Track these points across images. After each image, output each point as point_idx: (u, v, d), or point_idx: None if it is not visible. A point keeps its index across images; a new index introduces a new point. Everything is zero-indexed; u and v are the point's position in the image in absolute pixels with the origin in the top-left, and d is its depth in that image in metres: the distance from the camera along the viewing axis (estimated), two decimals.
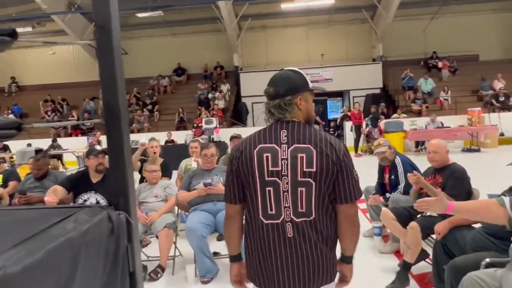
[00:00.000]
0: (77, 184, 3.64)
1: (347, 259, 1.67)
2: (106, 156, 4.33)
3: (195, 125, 12.63)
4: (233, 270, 1.73)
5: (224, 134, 11.41)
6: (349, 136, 13.20)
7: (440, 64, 17.22)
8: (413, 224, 3.20)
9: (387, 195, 4.16)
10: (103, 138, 12.73)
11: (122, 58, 2.11)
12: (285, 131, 1.56)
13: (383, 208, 3.77)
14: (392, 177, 4.20)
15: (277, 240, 1.54)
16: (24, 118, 17.44)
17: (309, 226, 1.53)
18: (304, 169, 1.51)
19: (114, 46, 2.00)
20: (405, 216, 3.51)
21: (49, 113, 16.84)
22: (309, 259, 1.54)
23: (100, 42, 1.84)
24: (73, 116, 15.48)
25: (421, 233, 3.18)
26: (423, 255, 3.34)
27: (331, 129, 16.80)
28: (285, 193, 1.52)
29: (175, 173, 5.22)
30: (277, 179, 1.53)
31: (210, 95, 16.92)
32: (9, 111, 17.23)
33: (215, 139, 11.79)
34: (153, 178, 3.95)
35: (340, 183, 1.55)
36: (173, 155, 6.13)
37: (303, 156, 1.51)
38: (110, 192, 1.78)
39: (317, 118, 16.48)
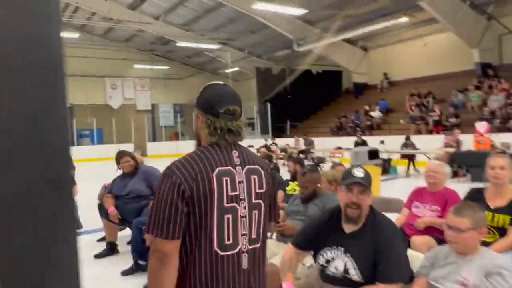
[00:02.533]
0: (323, 227, 2.16)
1: None
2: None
3: None
4: None
5: None
6: None
7: None
8: None
9: None
10: (465, 138, 10.41)
11: None
12: (236, 152, 1.44)
13: None
14: None
15: (232, 273, 1.37)
16: (389, 113, 17.42)
17: (258, 253, 1.45)
18: (257, 191, 1.45)
19: None
20: None
21: (412, 108, 15.88)
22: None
23: None
24: (434, 111, 13.78)
25: None
26: None
27: None
28: (242, 219, 1.40)
29: None
30: (236, 204, 1.39)
31: None
32: (376, 107, 17.58)
33: None
34: None
35: (272, 202, 1.53)
36: None
37: (255, 178, 1.45)
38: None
39: None
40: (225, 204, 1.35)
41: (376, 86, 20.66)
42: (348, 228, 2.07)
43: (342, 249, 2.04)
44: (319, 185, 3.08)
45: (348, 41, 19.91)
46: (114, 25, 20.36)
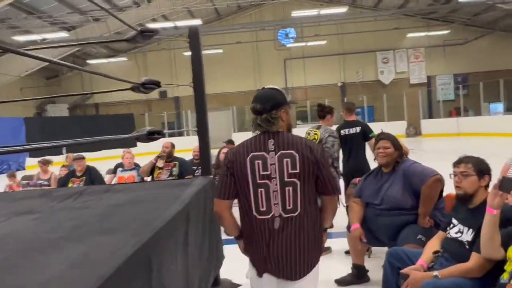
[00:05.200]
0: None
1: (324, 229, 2.08)
2: None
3: None
4: (241, 244, 2.10)
5: None
6: None
7: None
8: None
9: None
10: None
11: None
12: (272, 140, 1.95)
13: None
14: None
15: (267, 232, 1.92)
16: None
17: (295, 220, 1.91)
18: (290, 171, 1.89)
19: None
20: None
21: None
22: (296, 248, 1.91)
23: None
24: None
25: None
26: None
27: None
28: (274, 193, 1.91)
29: None
30: (267, 181, 1.91)
31: None
32: None
33: None
34: None
35: (321, 179, 1.94)
36: None
37: (288, 161, 1.90)
38: None
39: None
40: (258, 181, 1.92)
41: None
42: None
43: None
44: None
45: None
46: None
